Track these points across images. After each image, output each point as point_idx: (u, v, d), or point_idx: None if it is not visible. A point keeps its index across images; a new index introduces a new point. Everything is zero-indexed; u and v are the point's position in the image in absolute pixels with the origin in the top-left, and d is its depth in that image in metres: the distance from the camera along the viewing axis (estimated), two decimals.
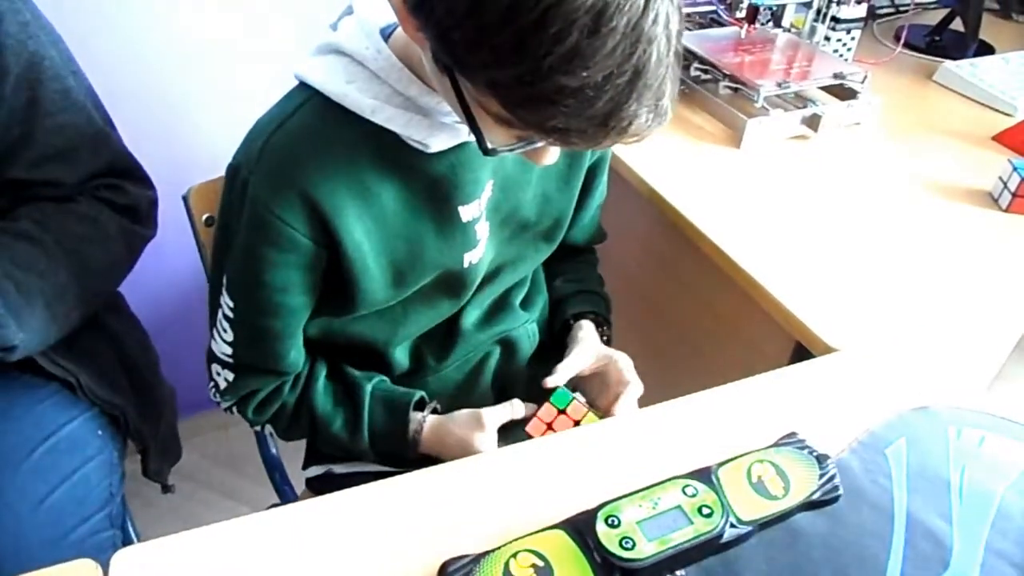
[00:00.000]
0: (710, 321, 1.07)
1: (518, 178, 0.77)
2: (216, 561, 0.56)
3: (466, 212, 0.73)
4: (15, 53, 0.71)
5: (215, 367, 0.78)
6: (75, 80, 0.77)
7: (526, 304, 0.93)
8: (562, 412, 0.80)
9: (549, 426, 0.80)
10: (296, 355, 0.77)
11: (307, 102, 0.66)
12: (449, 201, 0.71)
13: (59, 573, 0.55)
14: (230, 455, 1.60)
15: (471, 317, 0.86)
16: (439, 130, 0.65)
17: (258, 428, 0.84)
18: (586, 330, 0.89)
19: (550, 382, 0.81)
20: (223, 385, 0.78)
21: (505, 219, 0.80)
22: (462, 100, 0.54)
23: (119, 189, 0.82)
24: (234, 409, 0.81)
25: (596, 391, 0.87)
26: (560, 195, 0.83)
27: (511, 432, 0.80)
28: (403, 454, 0.80)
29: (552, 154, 0.62)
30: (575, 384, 0.86)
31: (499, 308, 0.89)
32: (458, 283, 0.79)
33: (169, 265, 1.28)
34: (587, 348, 0.86)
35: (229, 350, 0.75)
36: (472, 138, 0.64)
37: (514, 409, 0.81)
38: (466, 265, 0.77)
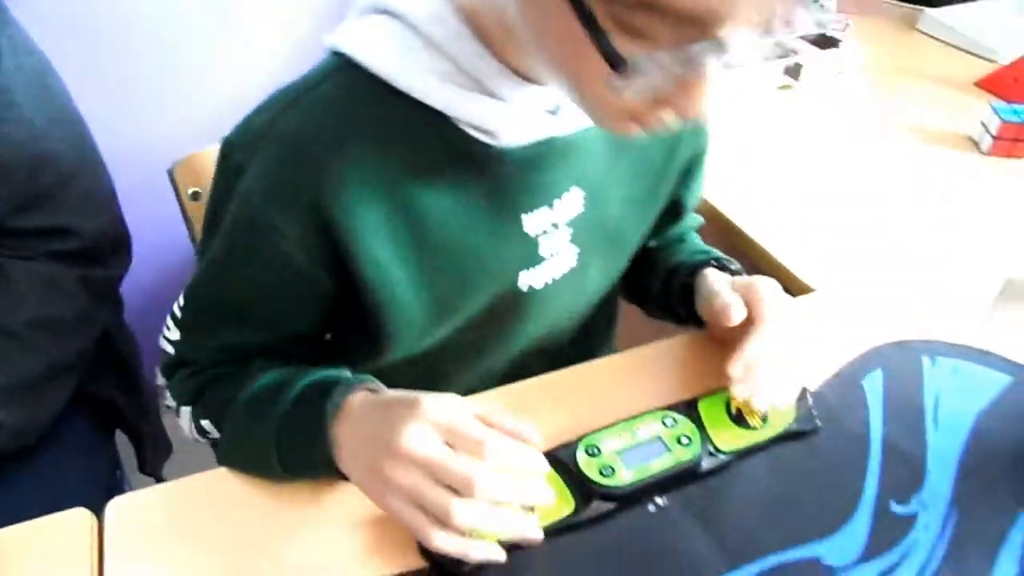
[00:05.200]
0: None
1: (606, 183, 0.63)
2: (208, 509, 0.57)
3: (531, 223, 0.59)
4: None
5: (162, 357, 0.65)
6: (30, 96, 0.71)
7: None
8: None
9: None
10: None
11: (336, 74, 0.53)
12: (512, 206, 0.58)
13: (54, 522, 0.56)
14: None
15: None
16: (516, 118, 0.53)
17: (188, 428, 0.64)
18: (711, 276, 0.66)
19: (735, 376, 0.58)
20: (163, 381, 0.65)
21: (592, 237, 0.64)
22: (581, 9, 0.40)
23: (66, 233, 0.74)
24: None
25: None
26: (647, 199, 0.69)
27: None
28: (319, 435, 0.52)
29: (701, 88, 0.44)
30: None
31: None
32: (511, 312, 0.64)
33: (155, 242, 1.28)
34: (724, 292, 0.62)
35: (170, 349, 0.63)
36: (557, 131, 0.55)
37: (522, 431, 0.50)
38: (523, 287, 0.62)
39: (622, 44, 0.41)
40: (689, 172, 0.72)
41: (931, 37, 1.34)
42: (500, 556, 0.49)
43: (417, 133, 0.53)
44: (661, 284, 0.74)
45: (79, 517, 0.56)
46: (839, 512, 0.57)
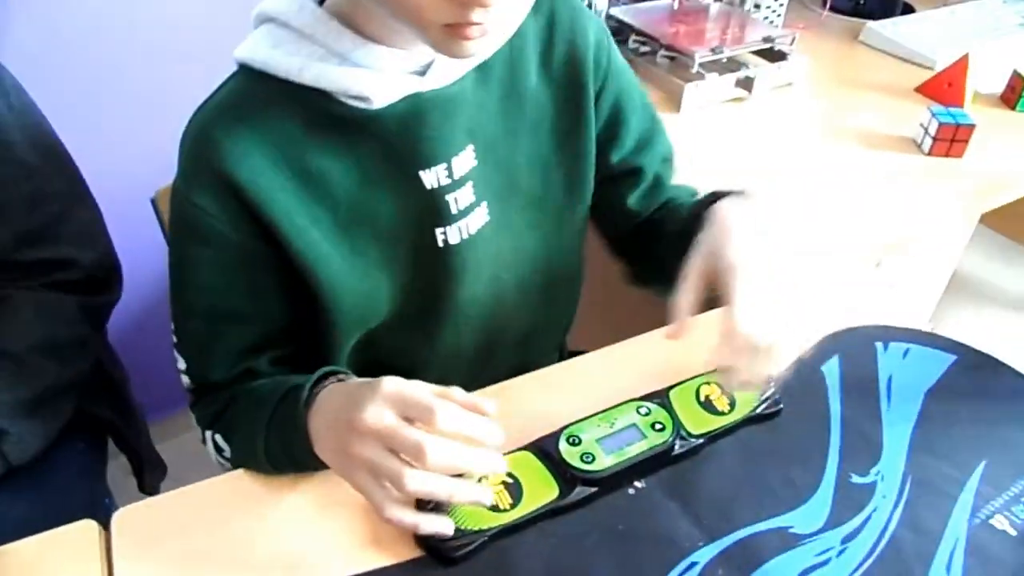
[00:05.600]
0: None
1: (504, 141, 0.67)
2: (211, 513, 0.60)
3: (430, 177, 0.63)
4: None
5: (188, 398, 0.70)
6: (22, 136, 0.74)
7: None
8: None
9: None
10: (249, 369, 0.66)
11: (234, 78, 0.61)
12: (405, 165, 0.62)
13: (60, 536, 0.58)
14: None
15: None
16: (380, 80, 0.58)
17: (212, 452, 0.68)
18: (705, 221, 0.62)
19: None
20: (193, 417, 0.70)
21: (502, 195, 0.68)
22: None
23: (68, 265, 0.78)
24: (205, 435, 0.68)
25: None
26: (560, 156, 0.70)
27: None
28: (296, 428, 0.56)
29: None
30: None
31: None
32: (439, 270, 0.67)
33: (137, 269, 1.30)
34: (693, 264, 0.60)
35: (186, 381, 0.68)
36: (425, 86, 0.60)
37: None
38: (440, 243, 0.66)
39: None
40: (616, 126, 0.73)
41: (873, 48, 1.42)
42: (448, 529, 0.52)
43: (304, 110, 0.59)
44: (673, 251, 0.64)
45: (87, 529, 0.59)
46: (804, 485, 0.62)
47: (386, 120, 0.60)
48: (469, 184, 0.65)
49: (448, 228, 0.66)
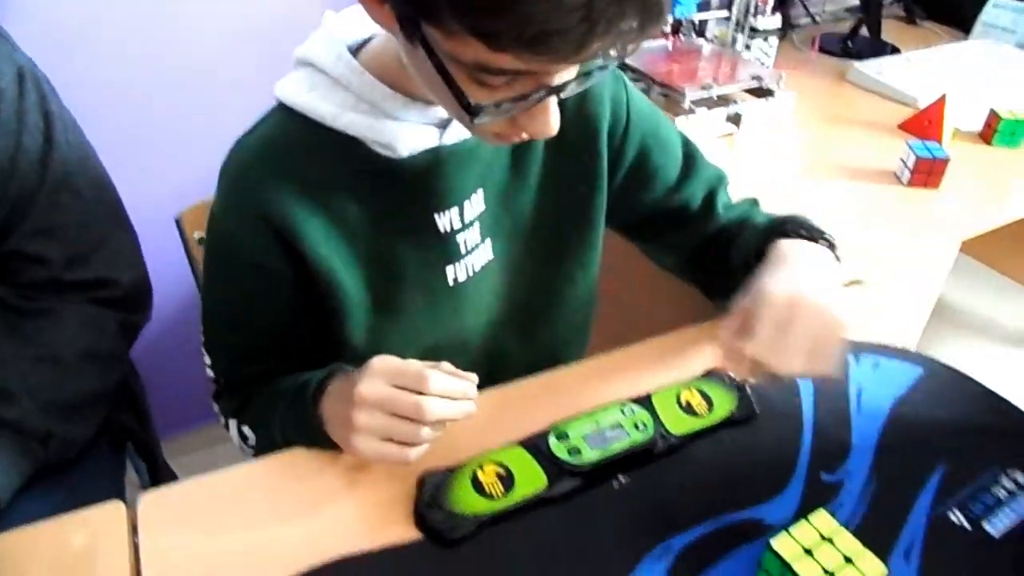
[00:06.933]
0: (648, 290, 1.19)
1: (511, 186, 0.73)
2: (230, 501, 0.65)
3: (443, 221, 0.70)
4: (34, 139, 0.76)
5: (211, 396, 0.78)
6: (77, 167, 0.81)
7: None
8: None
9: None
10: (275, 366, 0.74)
11: (272, 116, 0.67)
12: (422, 208, 0.69)
13: (88, 516, 0.64)
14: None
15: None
16: (406, 132, 0.63)
17: (236, 437, 0.76)
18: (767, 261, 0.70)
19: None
20: (216, 408, 0.78)
21: (506, 234, 0.75)
22: (436, 60, 0.49)
23: (109, 284, 0.84)
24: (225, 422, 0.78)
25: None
26: (568, 200, 0.76)
27: None
28: (308, 414, 0.65)
29: (546, 116, 0.54)
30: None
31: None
32: (446, 303, 0.74)
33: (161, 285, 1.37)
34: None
35: (212, 374, 0.76)
36: (445, 140, 0.65)
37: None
38: (450, 281, 0.73)
39: (474, 94, 0.51)
40: (652, 175, 0.79)
41: (858, 87, 1.49)
42: (470, 407, 0.61)
43: (334, 152, 0.64)
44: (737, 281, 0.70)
45: (113, 510, 0.64)
46: (776, 481, 0.66)
47: (408, 168, 0.66)
48: (476, 225, 0.72)
49: (456, 265, 0.73)
